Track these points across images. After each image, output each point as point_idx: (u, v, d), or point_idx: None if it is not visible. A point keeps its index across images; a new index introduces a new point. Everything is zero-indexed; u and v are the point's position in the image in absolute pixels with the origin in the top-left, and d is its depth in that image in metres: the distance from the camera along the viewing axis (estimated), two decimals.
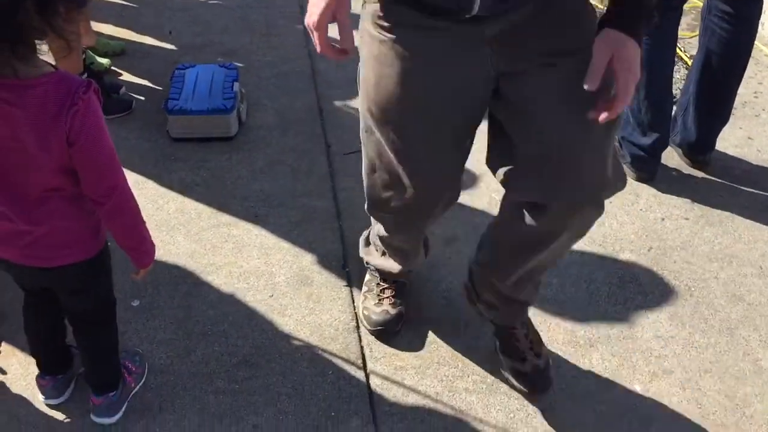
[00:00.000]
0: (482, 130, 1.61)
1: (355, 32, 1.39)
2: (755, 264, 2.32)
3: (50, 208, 1.42)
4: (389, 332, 2.00)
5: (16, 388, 1.84)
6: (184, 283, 2.15)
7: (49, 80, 1.31)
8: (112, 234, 1.52)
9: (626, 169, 2.56)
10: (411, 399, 1.88)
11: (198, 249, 2.27)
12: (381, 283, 2.05)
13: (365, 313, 2.03)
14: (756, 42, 3.34)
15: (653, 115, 2.49)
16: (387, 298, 2.02)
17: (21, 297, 2.04)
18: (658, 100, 2.48)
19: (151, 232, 1.58)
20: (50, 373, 1.75)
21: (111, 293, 1.67)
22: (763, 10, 3.34)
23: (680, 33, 2.53)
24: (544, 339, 2.03)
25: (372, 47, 1.47)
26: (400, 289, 2.06)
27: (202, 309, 2.08)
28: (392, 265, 1.99)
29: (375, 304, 2.02)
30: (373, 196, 1.76)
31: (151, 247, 1.57)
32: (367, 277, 2.11)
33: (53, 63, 1.39)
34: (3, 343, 1.92)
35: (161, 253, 2.22)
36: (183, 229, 2.32)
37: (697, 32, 2.63)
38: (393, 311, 2.00)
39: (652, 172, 2.61)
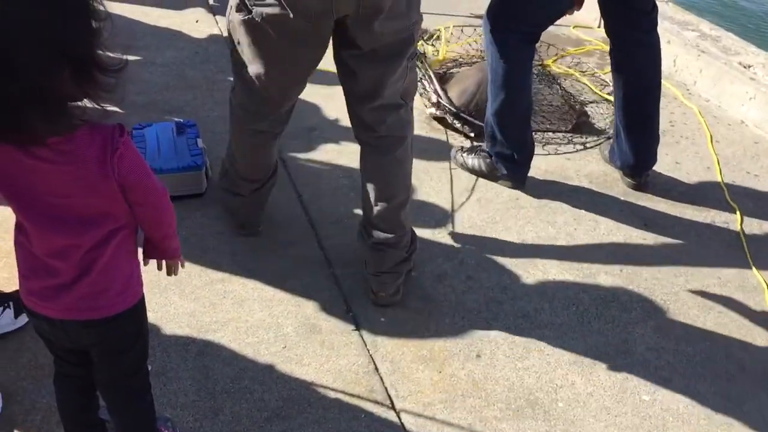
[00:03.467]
0: None
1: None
2: (714, 275, 2.55)
3: (99, 253, 1.39)
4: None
5: None
6: (193, 343, 2.11)
7: (81, 134, 1.29)
8: (147, 232, 1.51)
9: (502, 181, 2.89)
10: None
11: (197, 308, 2.22)
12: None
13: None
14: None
15: (518, 131, 2.78)
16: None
17: (26, 374, 1.95)
18: (522, 114, 2.76)
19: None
20: None
21: (147, 348, 1.62)
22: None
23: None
24: (551, 362, 2.15)
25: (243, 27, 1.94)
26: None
27: (219, 367, 2.04)
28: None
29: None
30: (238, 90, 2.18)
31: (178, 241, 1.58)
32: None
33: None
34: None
35: (159, 316, 2.17)
36: (176, 289, 2.27)
37: (608, 69, 2.91)
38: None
39: (523, 181, 2.89)
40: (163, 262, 1.60)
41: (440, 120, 3.29)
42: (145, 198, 1.41)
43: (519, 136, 2.81)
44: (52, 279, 1.39)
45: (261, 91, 2.08)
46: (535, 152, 2.92)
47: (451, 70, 3.69)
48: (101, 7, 1.22)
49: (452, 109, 3.26)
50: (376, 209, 2.20)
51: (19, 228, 1.39)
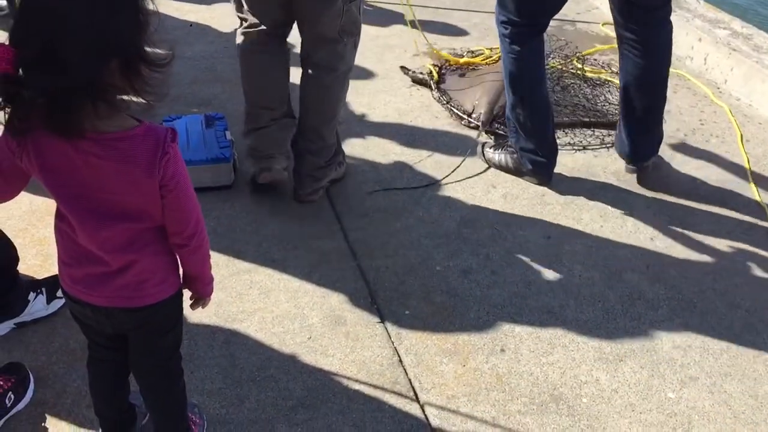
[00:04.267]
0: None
1: None
2: (742, 274, 2.52)
3: (141, 245, 1.41)
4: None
5: None
6: (220, 331, 2.13)
7: (135, 133, 1.32)
8: (185, 267, 1.53)
9: (528, 177, 2.87)
10: (470, 426, 1.93)
11: (224, 297, 2.25)
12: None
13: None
14: (688, 75, 3.67)
15: (536, 125, 2.76)
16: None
17: (57, 359, 1.99)
18: (537, 108, 2.74)
19: None
20: None
21: (182, 332, 1.64)
22: (691, 45, 3.69)
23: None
24: (576, 357, 2.15)
25: None
26: None
27: (245, 356, 2.06)
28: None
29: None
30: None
31: (212, 276, 1.60)
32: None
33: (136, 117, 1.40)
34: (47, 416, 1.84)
35: (188, 304, 2.19)
36: None
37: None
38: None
39: (549, 175, 2.87)
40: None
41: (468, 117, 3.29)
42: (186, 223, 1.43)
43: (538, 130, 2.79)
44: (95, 267, 1.42)
45: (250, 15, 2.54)
46: (562, 149, 2.91)
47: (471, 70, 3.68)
48: (149, 3, 1.24)
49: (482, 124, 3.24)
50: (302, 121, 2.64)
51: (60, 217, 1.42)
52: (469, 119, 3.25)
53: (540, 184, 2.88)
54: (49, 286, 2.11)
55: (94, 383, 1.67)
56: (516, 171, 2.91)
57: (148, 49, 1.25)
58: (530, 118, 2.76)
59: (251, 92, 2.68)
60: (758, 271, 2.53)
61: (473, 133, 3.20)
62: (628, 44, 2.70)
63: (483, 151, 3.01)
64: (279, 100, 2.67)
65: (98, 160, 1.30)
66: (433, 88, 3.50)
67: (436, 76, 3.57)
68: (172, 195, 1.37)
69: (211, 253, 2.30)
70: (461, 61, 3.72)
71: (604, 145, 3.19)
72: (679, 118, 3.42)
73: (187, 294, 1.59)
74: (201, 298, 1.61)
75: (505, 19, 2.64)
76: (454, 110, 3.33)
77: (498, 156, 2.94)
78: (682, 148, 3.21)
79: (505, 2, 2.61)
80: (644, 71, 2.71)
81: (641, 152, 2.90)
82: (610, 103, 3.48)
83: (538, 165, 2.84)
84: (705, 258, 2.58)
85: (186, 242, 1.45)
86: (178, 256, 1.50)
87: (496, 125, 3.22)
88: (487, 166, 2.99)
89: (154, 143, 1.32)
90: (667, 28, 2.70)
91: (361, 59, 3.77)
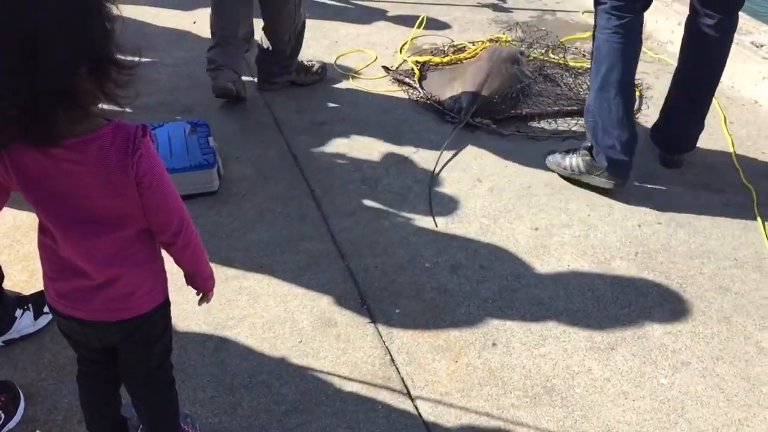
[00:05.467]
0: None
1: None
2: (730, 257, 2.53)
3: (125, 257, 1.41)
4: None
5: None
6: (210, 339, 2.13)
7: (104, 132, 1.30)
8: (178, 264, 1.52)
9: (601, 179, 2.74)
10: (464, 421, 1.93)
11: (213, 304, 2.24)
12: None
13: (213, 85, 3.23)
14: (669, 60, 3.67)
15: (624, 111, 2.64)
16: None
17: (46, 375, 1.97)
18: (626, 96, 2.65)
19: None
20: None
21: (171, 340, 1.64)
22: (671, 30, 3.68)
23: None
24: (567, 348, 2.15)
25: None
26: None
27: (236, 363, 2.06)
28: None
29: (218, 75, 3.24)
30: None
31: (211, 270, 1.60)
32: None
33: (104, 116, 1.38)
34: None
35: (176, 313, 2.16)
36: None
37: None
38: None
39: (626, 175, 2.75)
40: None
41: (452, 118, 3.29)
42: (169, 221, 1.41)
43: (622, 121, 2.63)
44: (80, 281, 1.41)
45: None
46: (547, 138, 2.89)
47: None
48: (113, 8, 1.24)
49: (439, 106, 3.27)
50: (263, 26, 3.27)
51: (43, 231, 1.40)
52: (451, 114, 3.25)
53: (614, 187, 2.74)
54: (36, 302, 2.10)
55: (84, 397, 1.67)
56: (588, 173, 2.76)
57: (116, 53, 1.25)
58: (617, 107, 2.62)
59: (217, 21, 3.23)
60: (746, 253, 2.54)
61: (458, 129, 3.19)
62: (692, 37, 2.70)
63: (551, 159, 2.89)
64: (240, 27, 3.26)
65: (73, 165, 1.29)
66: (416, 85, 3.49)
67: (417, 73, 3.56)
68: (149, 192, 1.35)
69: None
70: (445, 60, 3.72)
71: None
72: (662, 103, 3.41)
73: (186, 296, 1.57)
74: (204, 293, 1.61)
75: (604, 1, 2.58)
76: (436, 106, 3.33)
77: (568, 160, 2.82)
78: None
79: None
80: (708, 54, 2.72)
81: (683, 143, 2.93)
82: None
83: (617, 164, 2.69)
84: (693, 242, 2.59)
85: (172, 240, 1.44)
86: (171, 256, 1.49)
87: (478, 119, 3.21)
88: (471, 159, 2.99)
89: (123, 140, 1.30)
90: (729, 34, 2.72)
91: (343, 58, 3.77)
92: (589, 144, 2.75)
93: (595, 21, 2.65)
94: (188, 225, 1.46)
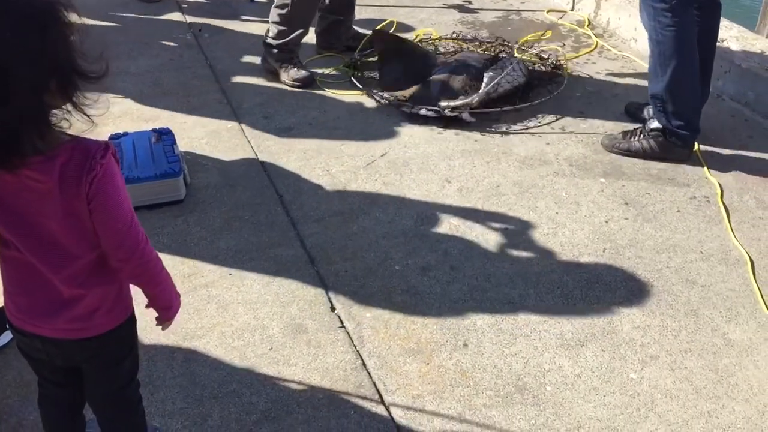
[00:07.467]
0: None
1: None
2: (695, 250, 2.56)
3: (89, 276, 1.38)
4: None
5: None
6: (179, 350, 2.10)
7: (67, 148, 1.28)
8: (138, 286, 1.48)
9: (675, 155, 2.99)
10: (436, 423, 1.93)
11: (181, 315, 2.16)
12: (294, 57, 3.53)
13: (295, 77, 3.48)
14: (633, 57, 3.72)
15: (694, 93, 2.91)
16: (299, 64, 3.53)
17: (11, 392, 1.94)
18: (694, 80, 2.89)
19: None
20: None
21: (138, 358, 1.61)
22: (634, 27, 3.74)
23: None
24: (538, 346, 2.15)
25: None
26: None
27: (206, 373, 2.04)
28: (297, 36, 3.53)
29: (297, 70, 3.51)
30: None
31: (176, 298, 1.53)
32: (281, 57, 3.52)
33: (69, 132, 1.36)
34: None
35: (143, 325, 2.14)
36: None
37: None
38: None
39: (692, 149, 3.02)
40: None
41: (416, 116, 3.29)
42: (118, 244, 1.35)
43: (693, 102, 2.93)
44: (43, 293, 1.37)
45: None
46: (515, 134, 2.91)
47: None
48: (73, 17, 1.22)
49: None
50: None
51: (6, 244, 1.36)
52: (398, 100, 3.30)
53: (683, 160, 3.00)
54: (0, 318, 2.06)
55: (46, 423, 1.63)
56: (660, 153, 2.99)
57: (81, 62, 1.23)
58: (688, 90, 2.89)
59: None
60: (711, 246, 2.57)
61: (427, 130, 3.21)
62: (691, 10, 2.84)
63: (615, 145, 3.07)
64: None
65: (34, 183, 1.27)
66: (374, 92, 3.49)
67: (352, 70, 3.65)
68: (95, 213, 1.31)
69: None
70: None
71: (554, 132, 3.21)
72: (627, 99, 3.45)
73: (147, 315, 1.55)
74: (162, 321, 1.56)
75: None
76: (384, 96, 3.39)
77: (639, 143, 3.02)
78: None
79: None
80: (705, 31, 2.92)
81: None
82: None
83: (688, 140, 2.96)
84: (659, 237, 2.61)
85: (121, 265, 1.39)
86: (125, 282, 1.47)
87: (417, 107, 3.27)
88: (440, 160, 2.99)
89: (81, 158, 1.27)
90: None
91: (310, 63, 3.76)
92: (658, 125, 2.98)
93: (656, 18, 2.80)
94: (142, 251, 1.39)
